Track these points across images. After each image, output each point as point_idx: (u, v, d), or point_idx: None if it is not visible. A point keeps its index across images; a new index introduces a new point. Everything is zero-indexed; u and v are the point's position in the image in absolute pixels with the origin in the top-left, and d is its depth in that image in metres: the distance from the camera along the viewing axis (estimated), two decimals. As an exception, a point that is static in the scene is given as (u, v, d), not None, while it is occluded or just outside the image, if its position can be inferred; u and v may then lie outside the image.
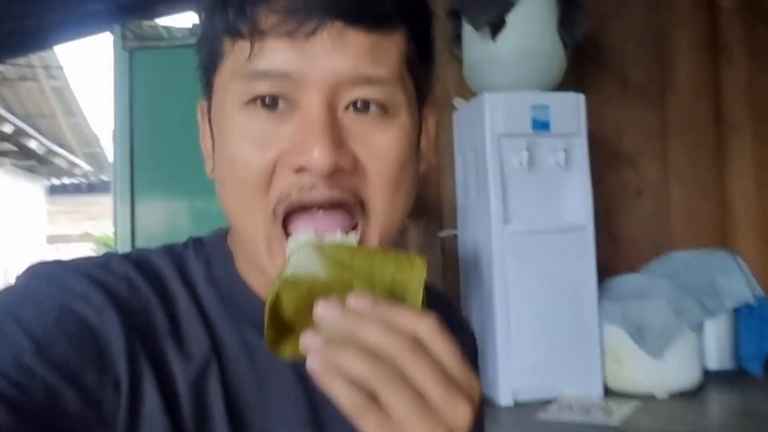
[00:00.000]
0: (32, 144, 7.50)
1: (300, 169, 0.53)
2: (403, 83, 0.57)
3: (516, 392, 2.51)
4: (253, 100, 0.54)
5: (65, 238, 10.87)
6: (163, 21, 3.19)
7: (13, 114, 6.81)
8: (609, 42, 3.32)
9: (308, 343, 0.44)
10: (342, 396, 0.42)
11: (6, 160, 8.30)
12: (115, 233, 2.93)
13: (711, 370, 2.79)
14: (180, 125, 2.95)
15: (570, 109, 2.66)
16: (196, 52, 0.60)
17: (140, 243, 2.89)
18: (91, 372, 0.50)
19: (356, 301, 0.44)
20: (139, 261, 0.60)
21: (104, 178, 10.38)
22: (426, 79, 0.61)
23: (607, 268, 2.82)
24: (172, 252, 0.63)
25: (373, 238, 0.57)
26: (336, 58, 0.53)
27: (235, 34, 0.54)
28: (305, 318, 0.47)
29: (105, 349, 0.52)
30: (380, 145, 0.56)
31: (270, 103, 0.54)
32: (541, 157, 2.63)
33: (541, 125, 2.59)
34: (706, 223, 3.39)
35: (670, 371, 2.58)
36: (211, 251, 0.64)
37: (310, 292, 0.48)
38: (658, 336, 2.56)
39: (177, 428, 0.54)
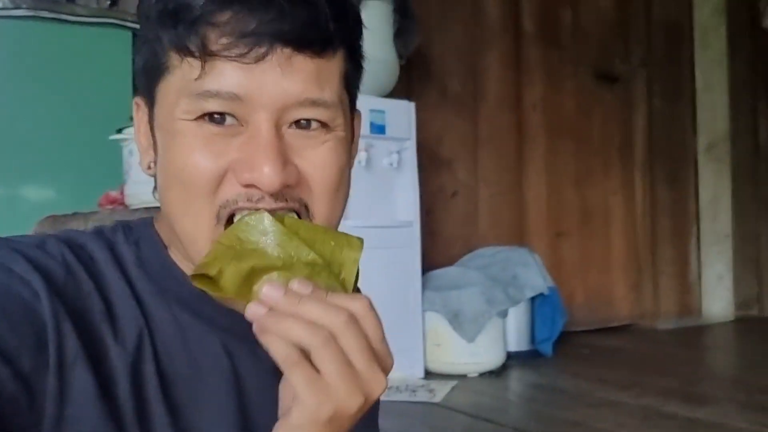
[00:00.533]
0: None
1: (249, 185, 0.56)
2: (342, 101, 0.61)
3: (348, 376, 2.67)
4: (202, 116, 0.57)
5: None
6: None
7: None
8: (433, 54, 3.60)
9: (252, 311, 0.51)
10: (277, 351, 0.49)
11: None
12: None
13: (511, 351, 3.17)
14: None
15: (402, 115, 2.89)
16: (136, 51, 0.62)
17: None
18: (27, 355, 0.51)
19: (298, 285, 0.52)
20: (72, 244, 0.61)
21: None
22: (357, 87, 0.67)
23: (427, 261, 3.09)
24: (102, 235, 0.64)
25: None
26: (284, 82, 0.56)
27: (185, 51, 0.56)
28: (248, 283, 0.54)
29: (42, 332, 0.52)
30: (321, 158, 0.60)
31: (219, 119, 0.57)
32: (377, 158, 2.83)
33: (377, 128, 2.80)
34: (508, 223, 3.82)
35: (480, 353, 2.91)
36: (139, 236, 0.66)
37: (253, 268, 0.53)
38: (472, 322, 2.88)
39: (113, 410, 0.55)
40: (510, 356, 3.13)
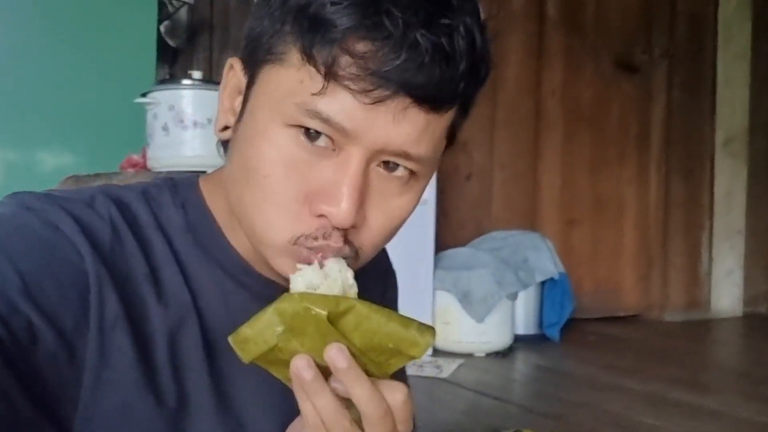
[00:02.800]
0: None
1: (321, 215, 0.56)
2: (437, 152, 0.60)
3: (357, 349, 2.72)
4: (299, 126, 0.55)
5: None
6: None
7: None
8: (453, 36, 3.59)
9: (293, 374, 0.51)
10: (307, 414, 0.51)
11: None
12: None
13: (518, 334, 3.20)
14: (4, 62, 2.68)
15: (422, 94, 2.90)
16: (253, 14, 0.59)
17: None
18: (70, 315, 0.51)
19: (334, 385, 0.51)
20: (119, 203, 0.61)
21: None
22: (459, 130, 0.64)
23: (438, 242, 3.12)
24: (148, 195, 0.64)
25: (354, 267, 0.60)
26: (392, 130, 0.54)
27: (311, 60, 0.53)
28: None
29: (85, 295, 0.53)
30: (392, 207, 0.59)
31: (314, 135, 0.55)
32: (395, 136, 2.85)
33: (397, 106, 2.81)
34: (521, 208, 3.83)
35: (488, 334, 2.94)
36: (187, 198, 0.65)
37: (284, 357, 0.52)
38: (482, 302, 2.90)
39: (149, 373, 0.56)
40: (517, 339, 3.16)
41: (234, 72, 0.63)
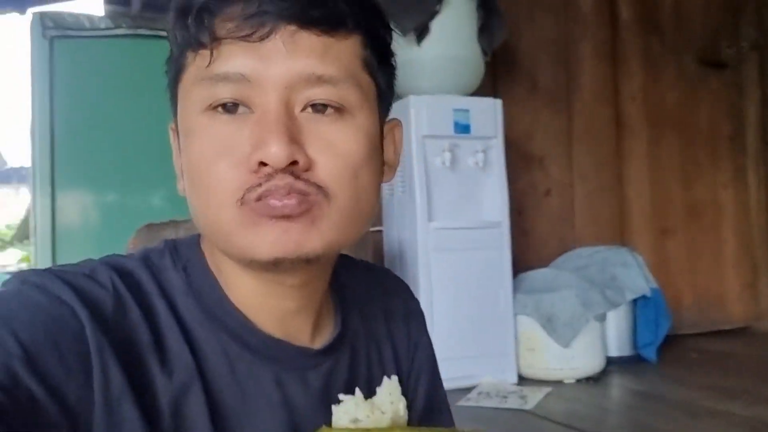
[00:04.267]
0: None
1: (260, 165, 0.55)
2: (358, 82, 0.59)
3: (437, 381, 2.64)
4: (215, 106, 0.56)
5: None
6: (78, 8, 3.10)
7: None
8: (521, 48, 3.49)
9: None
10: None
11: None
12: (31, 227, 2.83)
13: (612, 357, 3.02)
14: (102, 117, 2.88)
15: (488, 113, 2.81)
16: (166, 72, 0.62)
17: (61, 236, 2.80)
18: (74, 387, 0.51)
19: None
20: (121, 271, 0.60)
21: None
22: (387, 83, 0.64)
23: (519, 263, 3.00)
24: (149, 262, 0.63)
25: (336, 221, 0.58)
26: (288, 59, 0.55)
27: (196, 44, 0.56)
28: None
29: (88, 364, 0.52)
30: (336, 143, 0.57)
31: (231, 107, 0.56)
32: (462, 158, 2.77)
33: (462, 128, 2.73)
34: (607, 221, 3.65)
35: (577, 359, 2.79)
36: (188, 260, 0.65)
37: None
38: (567, 326, 2.76)
39: None
40: (611, 362, 2.98)
41: (175, 133, 0.64)
